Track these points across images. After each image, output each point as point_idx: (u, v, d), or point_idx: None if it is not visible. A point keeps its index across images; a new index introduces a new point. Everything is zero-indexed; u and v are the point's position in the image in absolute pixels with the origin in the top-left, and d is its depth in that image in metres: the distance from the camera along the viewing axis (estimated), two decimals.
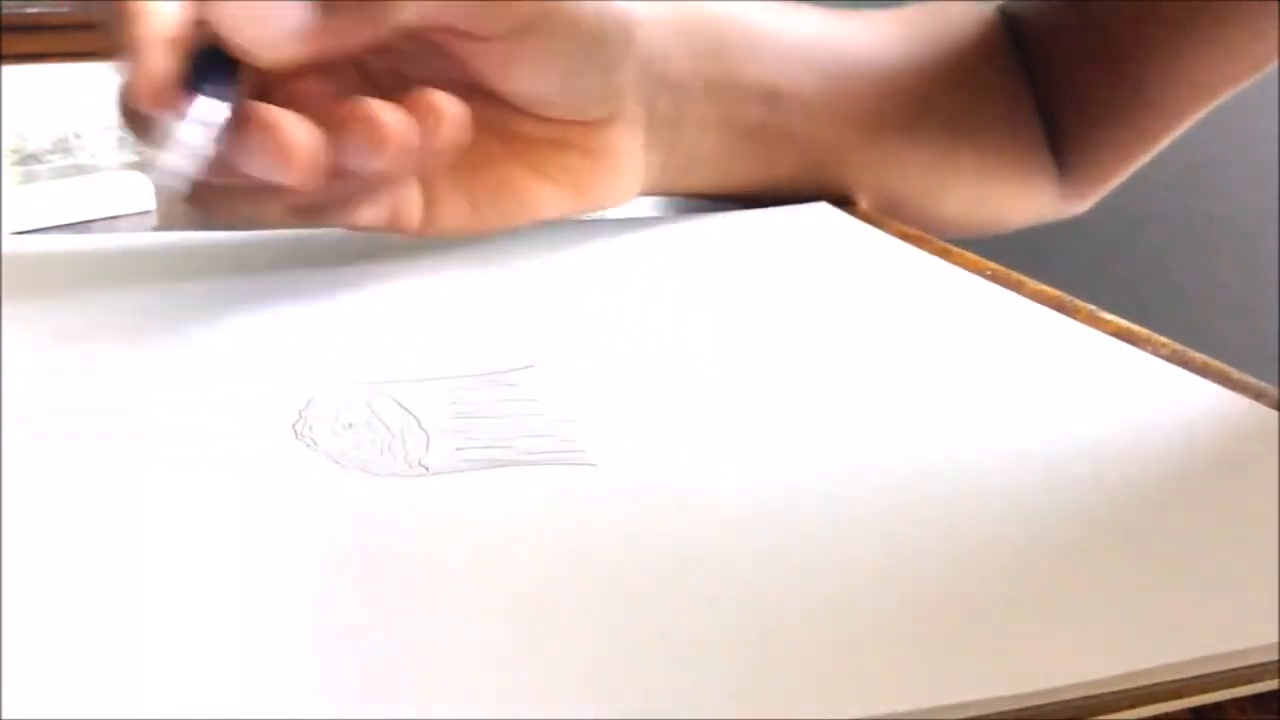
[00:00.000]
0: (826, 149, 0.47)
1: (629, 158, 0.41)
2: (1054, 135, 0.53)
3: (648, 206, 0.48)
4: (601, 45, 0.38)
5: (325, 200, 0.34)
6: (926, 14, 0.52)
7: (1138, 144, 0.53)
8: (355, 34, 0.32)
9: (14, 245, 0.42)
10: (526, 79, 0.37)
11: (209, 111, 0.29)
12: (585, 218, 0.43)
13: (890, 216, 0.47)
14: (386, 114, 0.32)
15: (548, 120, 0.39)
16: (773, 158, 0.46)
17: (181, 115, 0.29)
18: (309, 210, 0.34)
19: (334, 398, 0.30)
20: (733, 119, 0.44)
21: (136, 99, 0.30)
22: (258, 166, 0.31)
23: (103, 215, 0.47)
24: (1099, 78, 0.52)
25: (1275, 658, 0.20)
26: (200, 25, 0.31)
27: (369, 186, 0.34)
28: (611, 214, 0.44)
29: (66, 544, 0.23)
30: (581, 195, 0.41)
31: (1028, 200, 0.54)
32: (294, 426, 0.28)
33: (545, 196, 0.40)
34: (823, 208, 0.46)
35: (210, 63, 0.30)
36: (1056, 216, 0.56)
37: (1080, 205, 0.56)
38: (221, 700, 0.19)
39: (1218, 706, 0.20)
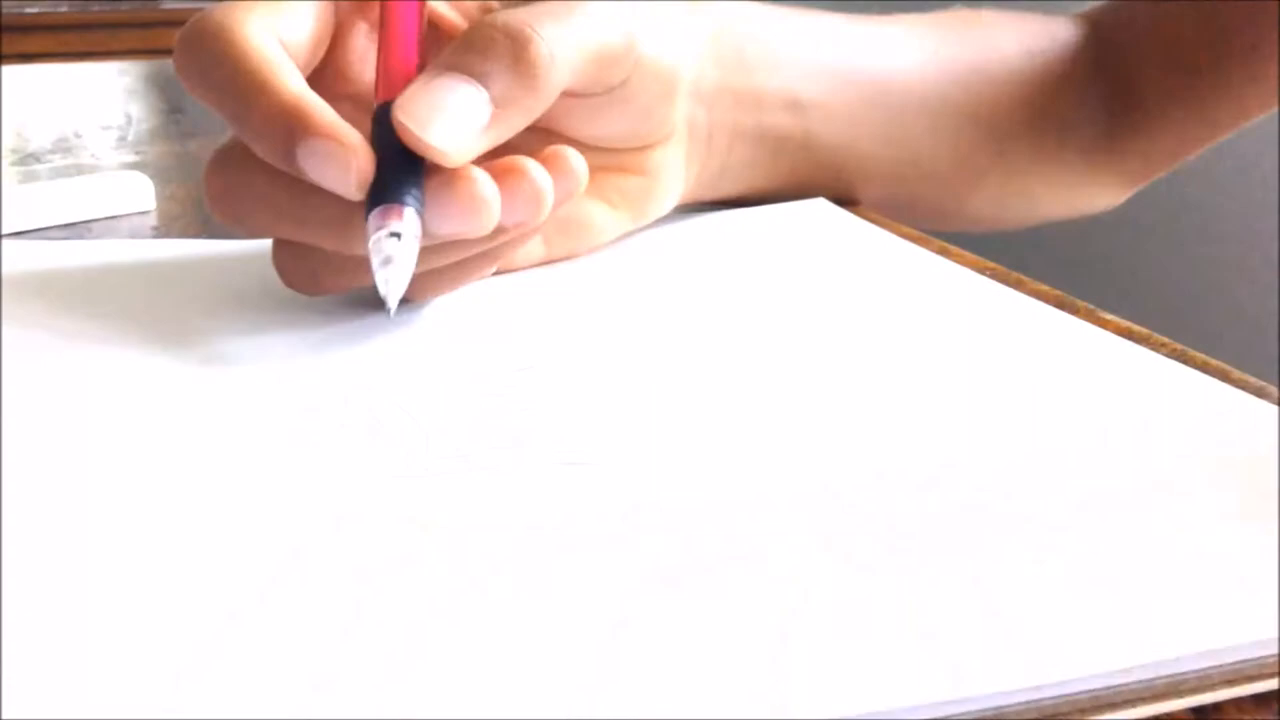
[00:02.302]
0: (848, 154, 0.48)
1: (676, 171, 0.42)
2: (1114, 131, 0.54)
3: None
4: (671, 84, 0.39)
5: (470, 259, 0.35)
6: (961, 19, 0.53)
7: (1200, 139, 0.54)
8: (524, 120, 0.33)
9: (14, 246, 0.42)
10: (604, 125, 0.39)
11: (411, 216, 0.30)
12: None
13: (904, 218, 0.47)
14: (541, 175, 0.32)
15: (608, 150, 0.40)
16: (795, 164, 0.47)
17: (396, 230, 0.30)
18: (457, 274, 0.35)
19: (333, 400, 0.30)
20: (760, 128, 0.45)
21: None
22: (457, 225, 0.31)
23: (103, 215, 0.47)
24: (1175, 75, 0.53)
25: (1275, 655, 0.20)
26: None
27: (510, 242, 0.35)
28: None
29: (67, 545, 0.23)
30: (636, 215, 0.42)
31: (1067, 196, 0.56)
32: (294, 429, 0.28)
33: (607, 221, 0.41)
34: (820, 204, 0.46)
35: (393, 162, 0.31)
36: (1099, 210, 0.57)
37: (1120, 199, 0.57)
38: (222, 700, 0.19)
39: (1217, 705, 0.20)
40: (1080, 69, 0.53)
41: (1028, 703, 0.19)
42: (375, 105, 0.33)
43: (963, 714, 0.19)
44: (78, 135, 0.63)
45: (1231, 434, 0.28)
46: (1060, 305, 0.36)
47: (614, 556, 0.23)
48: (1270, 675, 0.20)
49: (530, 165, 0.32)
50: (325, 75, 0.36)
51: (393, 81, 0.33)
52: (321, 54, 0.35)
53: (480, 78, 0.32)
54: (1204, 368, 0.32)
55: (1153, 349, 0.33)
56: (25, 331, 0.34)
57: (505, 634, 0.21)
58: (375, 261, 0.30)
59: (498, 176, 0.32)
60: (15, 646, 0.20)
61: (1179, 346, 0.33)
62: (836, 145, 0.47)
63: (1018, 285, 0.38)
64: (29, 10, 1.89)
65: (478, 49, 0.32)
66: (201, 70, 0.32)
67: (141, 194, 0.48)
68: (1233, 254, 1.32)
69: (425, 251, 0.31)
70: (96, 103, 0.75)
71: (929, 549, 0.23)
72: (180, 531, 0.24)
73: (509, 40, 0.32)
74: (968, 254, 0.41)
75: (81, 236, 0.45)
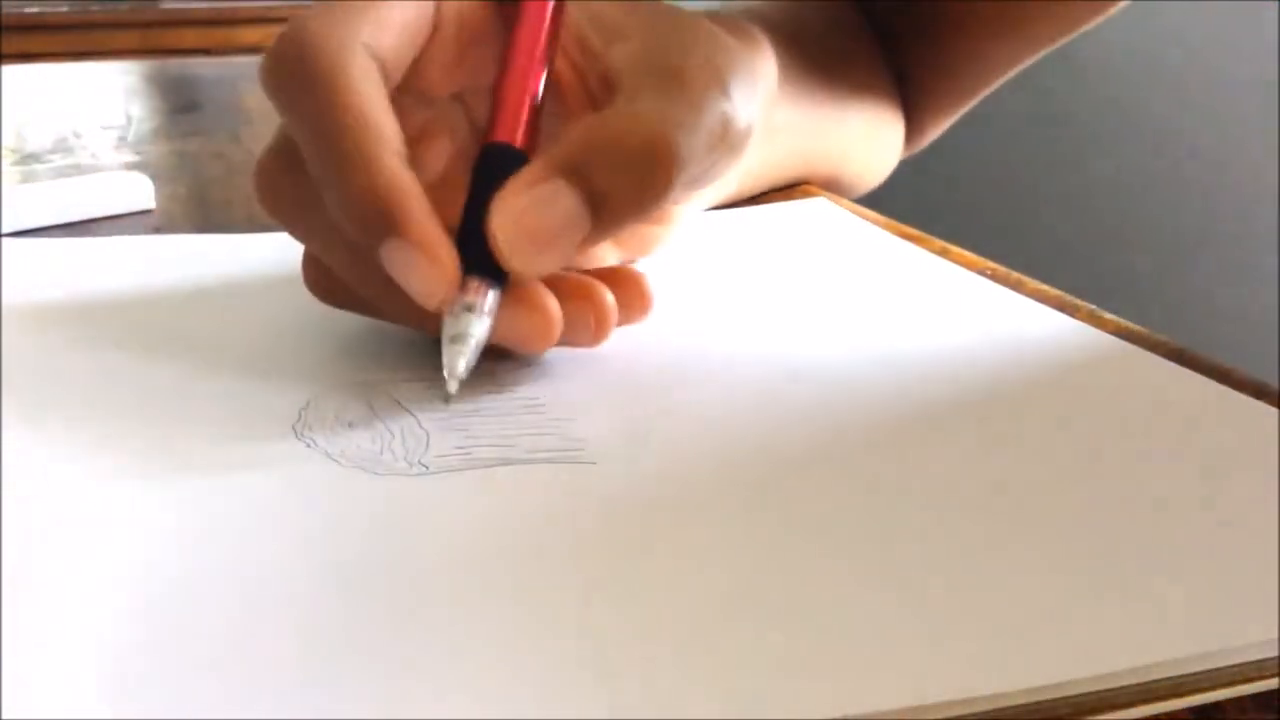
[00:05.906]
0: (797, 151, 0.48)
1: (687, 219, 0.41)
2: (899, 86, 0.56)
3: None
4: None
5: None
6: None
7: (970, 90, 0.56)
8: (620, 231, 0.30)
9: (14, 245, 0.42)
10: None
11: (493, 298, 0.29)
12: None
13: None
14: (609, 306, 0.31)
15: None
16: (759, 179, 0.47)
17: (473, 306, 0.28)
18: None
19: (334, 397, 0.30)
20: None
21: (431, 299, 0.28)
22: (512, 342, 0.30)
23: (103, 215, 0.47)
24: (931, 38, 0.54)
25: (1275, 656, 0.20)
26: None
27: None
28: None
29: (67, 544, 0.23)
30: (641, 252, 0.38)
31: (893, 152, 0.56)
32: (294, 426, 0.28)
33: (610, 257, 0.38)
34: (821, 202, 0.47)
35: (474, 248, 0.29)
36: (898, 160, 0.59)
37: (915, 148, 0.58)
38: (222, 699, 0.19)
39: (1218, 705, 0.20)
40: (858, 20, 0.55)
41: (1028, 703, 0.19)
42: (484, 142, 0.31)
43: (963, 714, 0.19)
44: (78, 135, 0.63)
45: (1231, 434, 0.28)
46: (1060, 305, 0.36)
47: (614, 554, 0.23)
48: (1270, 675, 0.20)
49: (603, 295, 0.31)
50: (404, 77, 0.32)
51: (506, 121, 0.31)
52: (411, 60, 0.32)
53: (593, 188, 0.28)
54: (1204, 368, 0.32)
55: (1153, 349, 0.33)
56: (25, 332, 0.34)
57: (505, 633, 0.21)
58: (445, 335, 0.28)
59: (567, 295, 0.30)
60: (15, 646, 0.20)
61: (1179, 346, 0.33)
62: (793, 150, 0.48)
63: (1018, 285, 0.38)
64: (29, 10, 1.89)
65: (603, 157, 0.28)
66: (301, 114, 0.30)
67: (141, 194, 0.48)
68: (1233, 254, 1.33)
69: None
70: (96, 103, 0.75)
71: (930, 548, 0.23)
72: (179, 531, 0.24)
73: (643, 159, 0.28)
74: (968, 254, 0.41)
75: (81, 236, 0.45)
